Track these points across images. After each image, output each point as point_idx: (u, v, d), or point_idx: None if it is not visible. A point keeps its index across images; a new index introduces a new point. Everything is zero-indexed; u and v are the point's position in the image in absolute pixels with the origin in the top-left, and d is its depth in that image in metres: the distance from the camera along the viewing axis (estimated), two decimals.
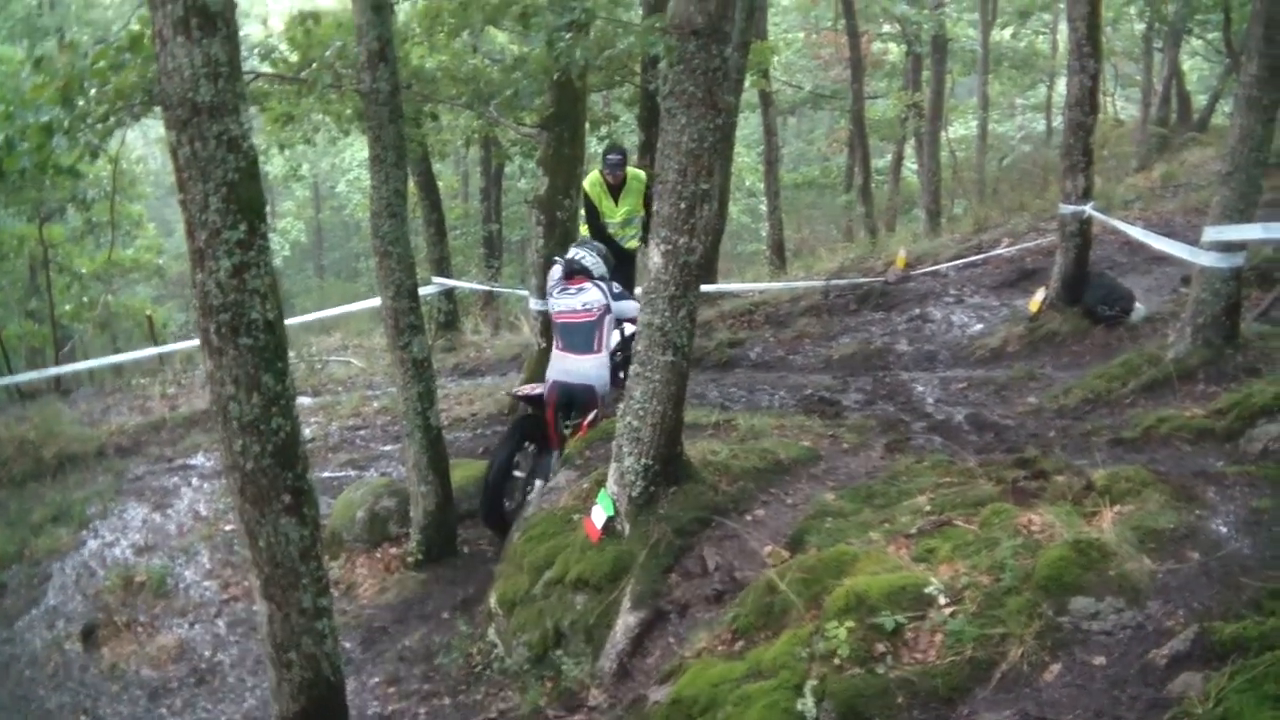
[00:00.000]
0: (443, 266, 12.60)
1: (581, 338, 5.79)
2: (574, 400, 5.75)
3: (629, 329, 5.84)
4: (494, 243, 17.73)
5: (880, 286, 9.59)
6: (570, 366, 5.75)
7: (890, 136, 20.54)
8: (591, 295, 5.82)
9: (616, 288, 6.00)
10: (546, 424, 5.81)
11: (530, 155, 10.86)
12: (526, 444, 5.92)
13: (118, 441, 8.73)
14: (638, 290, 6.35)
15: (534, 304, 7.45)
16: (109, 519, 6.88)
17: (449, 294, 12.37)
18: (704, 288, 6.22)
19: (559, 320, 5.91)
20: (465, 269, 17.21)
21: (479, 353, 11.19)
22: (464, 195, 23.33)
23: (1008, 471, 3.89)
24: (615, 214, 7.39)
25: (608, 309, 5.81)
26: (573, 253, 6.11)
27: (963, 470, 4.15)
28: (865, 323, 9.03)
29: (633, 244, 7.50)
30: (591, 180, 7.36)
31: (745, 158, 24.41)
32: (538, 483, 5.57)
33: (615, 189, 7.34)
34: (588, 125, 8.52)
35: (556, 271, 6.14)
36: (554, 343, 5.96)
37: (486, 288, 13.71)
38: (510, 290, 13.34)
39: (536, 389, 5.98)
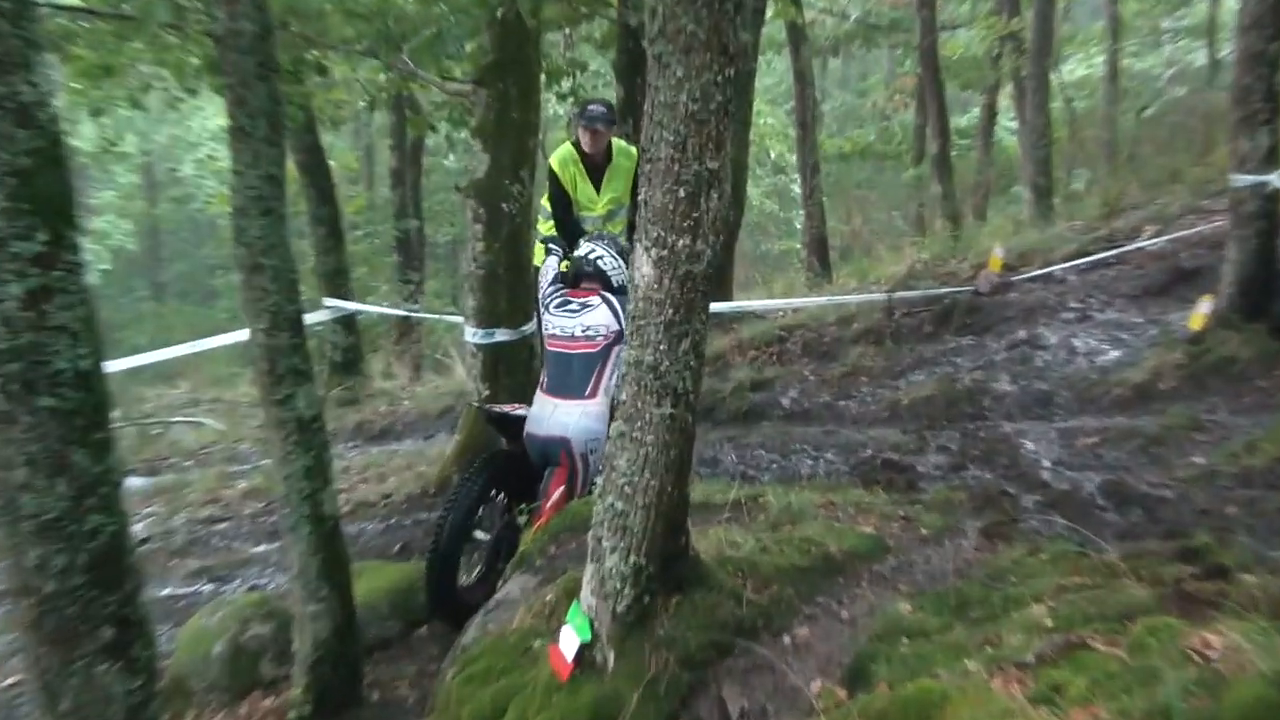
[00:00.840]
0: (339, 283, 12.75)
1: (575, 376, 5.80)
2: (547, 460, 5.78)
3: None
4: (412, 248, 17.83)
5: (968, 299, 9.69)
6: (545, 414, 5.77)
7: (977, 83, 20.83)
8: (599, 315, 5.84)
9: None
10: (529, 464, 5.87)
11: (462, 122, 10.68)
12: (495, 493, 5.90)
13: None
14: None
15: (472, 335, 7.43)
16: None
17: (348, 322, 12.52)
18: (714, 306, 6.00)
19: (551, 348, 5.94)
20: (372, 286, 17.52)
21: (392, 406, 11.23)
22: (367, 180, 23.44)
23: (1167, 568, 3.86)
24: (598, 204, 7.35)
25: (619, 336, 5.79)
26: (585, 248, 6.11)
27: (1099, 566, 4.11)
28: (948, 352, 9.09)
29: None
30: (562, 156, 7.33)
31: (770, 118, 24.53)
32: None
33: (597, 167, 7.31)
34: (543, 78, 8.58)
35: (553, 266, 6.15)
36: (540, 378, 6.01)
37: (402, 313, 13.85)
38: (436, 316, 13.42)
39: (519, 409, 5.95)
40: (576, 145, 7.28)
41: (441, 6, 7.10)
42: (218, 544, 7.91)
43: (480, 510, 5.80)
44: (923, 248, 13.53)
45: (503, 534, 5.91)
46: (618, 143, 7.37)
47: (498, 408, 6.21)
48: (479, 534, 5.84)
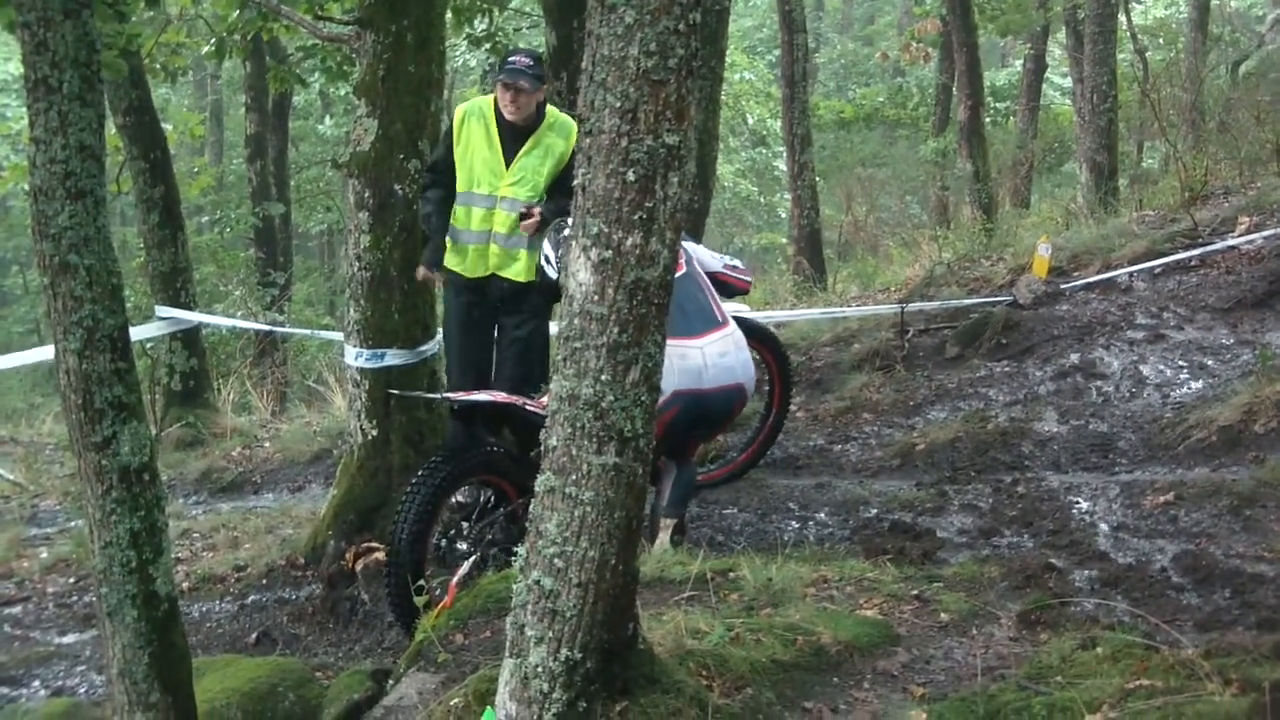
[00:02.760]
0: (177, 287, 12.39)
1: (695, 301, 5.76)
2: (709, 420, 5.80)
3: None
4: (275, 241, 17.70)
5: (1005, 312, 9.42)
6: (694, 362, 5.69)
7: (1021, 27, 19.06)
8: None
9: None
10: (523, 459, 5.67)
11: (341, 75, 10.74)
12: (480, 485, 5.78)
13: None
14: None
15: (354, 357, 6.96)
16: None
17: (190, 339, 12.21)
18: None
19: None
20: (222, 291, 17.10)
21: (249, 450, 10.95)
22: (216, 151, 23.14)
23: (1262, 668, 3.62)
24: (501, 180, 6.38)
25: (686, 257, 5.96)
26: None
27: (1174, 665, 3.84)
28: (977, 382, 8.78)
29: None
30: (472, 107, 6.48)
31: (748, 72, 23.97)
32: None
33: (517, 135, 6.39)
34: (449, 19, 8.22)
35: None
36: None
37: (262, 327, 13.52)
38: (308, 331, 13.56)
39: (491, 396, 5.73)
40: (498, 106, 6.49)
41: None
42: (9, 633, 7.41)
43: (453, 509, 5.76)
44: (946, 245, 12.98)
45: (495, 538, 5.72)
46: (554, 112, 6.57)
47: (462, 396, 5.94)
48: (461, 543, 5.73)
